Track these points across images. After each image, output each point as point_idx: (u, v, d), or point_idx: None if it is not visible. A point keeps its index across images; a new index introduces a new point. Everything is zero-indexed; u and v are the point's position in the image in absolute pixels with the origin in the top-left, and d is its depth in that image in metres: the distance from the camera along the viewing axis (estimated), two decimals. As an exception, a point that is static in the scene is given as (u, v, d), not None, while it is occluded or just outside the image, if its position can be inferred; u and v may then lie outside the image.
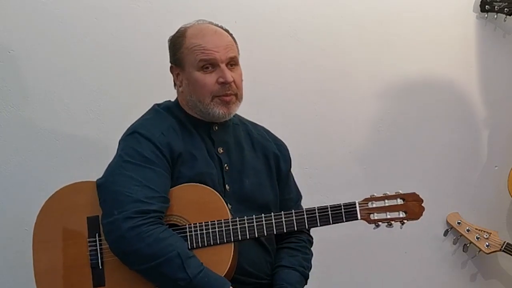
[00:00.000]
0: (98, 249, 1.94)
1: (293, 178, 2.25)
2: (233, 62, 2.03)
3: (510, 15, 3.00)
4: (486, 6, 3.01)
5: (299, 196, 2.25)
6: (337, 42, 2.91)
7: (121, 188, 1.89)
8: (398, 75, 3.00)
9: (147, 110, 2.12)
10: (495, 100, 3.12)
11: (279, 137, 2.25)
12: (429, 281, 3.02)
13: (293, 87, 2.85)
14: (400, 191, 1.98)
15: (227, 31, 2.08)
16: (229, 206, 1.99)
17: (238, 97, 2.04)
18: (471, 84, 3.09)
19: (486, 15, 3.06)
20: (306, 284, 2.11)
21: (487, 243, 2.91)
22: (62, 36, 2.56)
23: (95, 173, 2.05)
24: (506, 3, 2.98)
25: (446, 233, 3.01)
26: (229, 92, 2.00)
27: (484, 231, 2.94)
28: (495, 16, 3.02)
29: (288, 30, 2.84)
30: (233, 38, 2.08)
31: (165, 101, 2.14)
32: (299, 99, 2.86)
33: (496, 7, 2.99)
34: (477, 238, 2.93)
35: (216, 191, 1.97)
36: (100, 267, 1.93)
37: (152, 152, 1.95)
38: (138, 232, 1.84)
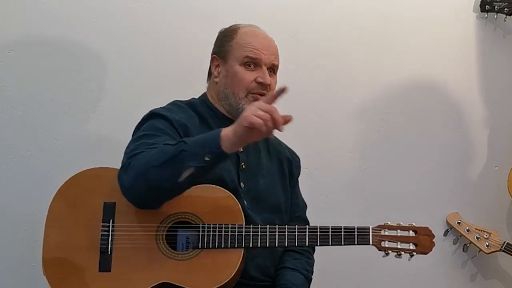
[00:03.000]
0: (110, 235, 1.92)
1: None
2: (273, 69, 2.12)
3: (510, 15, 3.00)
4: (486, 6, 3.01)
5: (304, 204, 2.28)
6: (337, 42, 2.91)
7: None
8: (398, 75, 3.00)
9: (147, 110, 2.12)
10: (495, 100, 3.11)
11: (278, 137, 2.26)
12: (429, 281, 3.02)
13: (293, 87, 2.83)
14: (414, 224, 2.00)
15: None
16: (244, 203, 2.00)
17: None
18: (471, 84, 3.09)
19: (486, 15, 3.06)
20: (308, 287, 2.12)
21: (487, 243, 2.91)
22: (62, 36, 2.56)
23: (95, 173, 2.05)
24: (506, 3, 2.98)
25: (446, 233, 3.01)
26: (264, 92, 2.07)
27: (484, 231, 2.93)
28: (495, 16, 3.02)
29: (288, 30, 2.84)
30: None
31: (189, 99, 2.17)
32: (299, 99, 2.85)
33: (496, 7, 2.99)
34: (477, 238, 2.93)
35: (232, 187, 1.97)
36: (109, 253, 1.92)
37: (166, 126, 1.98)
38: (128, 168, 1.85)
